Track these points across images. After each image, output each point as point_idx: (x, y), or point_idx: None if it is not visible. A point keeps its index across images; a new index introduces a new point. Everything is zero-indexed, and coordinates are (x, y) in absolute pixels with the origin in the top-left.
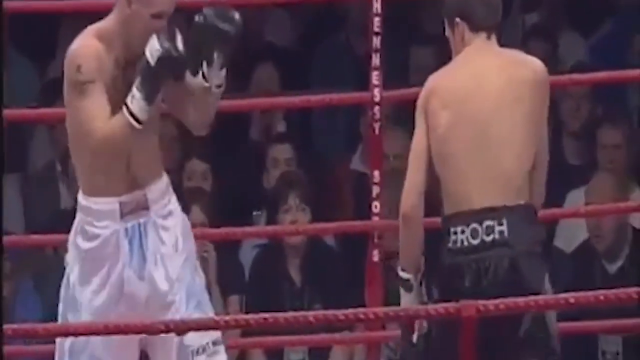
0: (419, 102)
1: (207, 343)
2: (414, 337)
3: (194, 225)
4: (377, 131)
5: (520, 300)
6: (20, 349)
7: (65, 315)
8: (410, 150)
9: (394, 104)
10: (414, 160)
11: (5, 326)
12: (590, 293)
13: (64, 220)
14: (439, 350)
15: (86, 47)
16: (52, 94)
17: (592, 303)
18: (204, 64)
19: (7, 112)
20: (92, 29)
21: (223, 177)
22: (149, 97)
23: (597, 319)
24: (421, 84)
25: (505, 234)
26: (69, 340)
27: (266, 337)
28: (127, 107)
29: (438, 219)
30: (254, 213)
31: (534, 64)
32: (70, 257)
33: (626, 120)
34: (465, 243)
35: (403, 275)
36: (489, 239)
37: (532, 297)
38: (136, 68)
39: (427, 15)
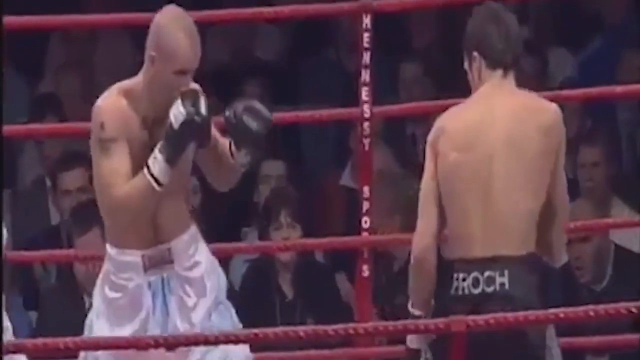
0: (429, 140)
1: None
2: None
3: None
4: (367, 147)
5: (510, 315)
6: None
7: (86, 357)
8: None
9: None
10: (425, 201)
11: None
12: (580, 308)
13: (53, 237)
14: None
15: (111, 104)
16: (41, 109)
17: (582, 318)
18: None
19: None
20: (119, 86)
21: (213, 193)
22: (170, 160)
23: (583, 336)
24: (410, 99)
25: (506, 286)
26: None
27: (258, 353)
28: (149, 169)
29: None
30: (243, 229)
31: (547, 110)
32: (96, 303)
33: (612, 136)
34: (467, 292)
35: (414, 312)
36: (489, 289)
37: (523, 313)
38: (163, 127)
39: (416, 31)
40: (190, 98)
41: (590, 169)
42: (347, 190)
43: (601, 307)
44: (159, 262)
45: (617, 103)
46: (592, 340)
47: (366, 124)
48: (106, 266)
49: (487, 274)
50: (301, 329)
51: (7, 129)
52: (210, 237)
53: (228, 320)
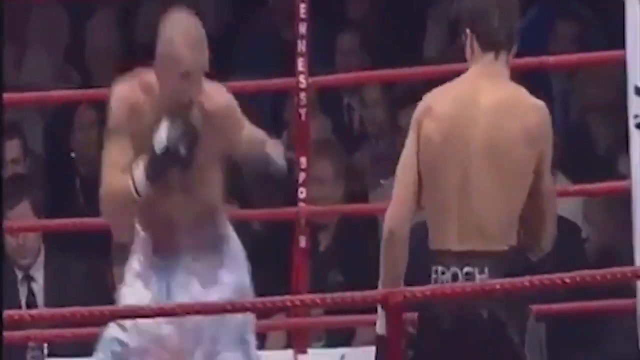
0: (415, 115)
1: None
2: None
3: None
4: (303, 117)
5: (447, 286)
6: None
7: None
8: None
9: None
10: (403, 174)
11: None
12: (516, 279)
13: None
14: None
15: (124, 94)
16: None
17: (519, 289)
18: None
19: None
20: (140, 77)
21: None
22: (149, 178)
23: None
24: (346, 69)
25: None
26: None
27: None
28: (132, 177)
29: None
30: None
31: (533, 111)
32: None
33: (548, 107)
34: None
35: (379, 331)
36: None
37: (462, 284)
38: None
39: (352, 2)
40: (176, 124)
41: None
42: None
43: (536, 278)
44: (167, 249)
45: (551, 73)
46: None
47: (302, 94)
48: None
49: (466, 269)
50: (238, 301)
51: None
52: None
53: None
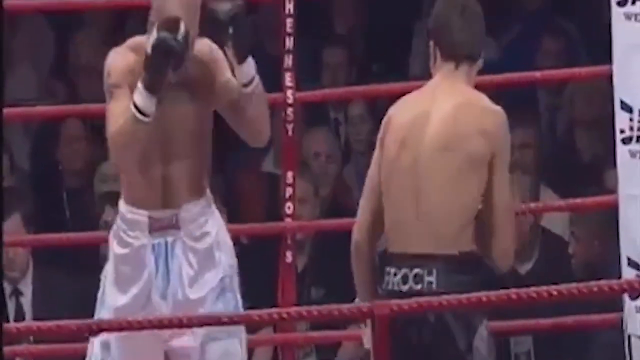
0: (380, 130)
1: None
2: None
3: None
4: (290, 132)
5: (435, 299)
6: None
7: (98, 312)
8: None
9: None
10: (365, 193)
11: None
12: (502, 292)
13: None
14: None
15: (116, 55)
16: None
17: (505, 302)
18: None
19: None
20: (131, 40)
21: None
22: (149, 87)
23: (507, 319)
24: (333, 84)
25: (434, 285)
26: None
27: None
28: (133, 102)
29: None
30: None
31: (488, 113)
32: (109, 262)
33: (536, 122)
34: (396, 287)
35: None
36: (417, 287)
37: (447, 297)
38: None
39: (338, 17)
40: (165, 24)
41: (520, 150)
42: (270, 176)
43: (523, 291)
44: (164, 226)
45: (538, 88)
46: (517, 323)
47: (290, 110)
48: (117, 221)
49: (415, 271)
50: (225, 314)
51: None
52: None
53: (230, 306)
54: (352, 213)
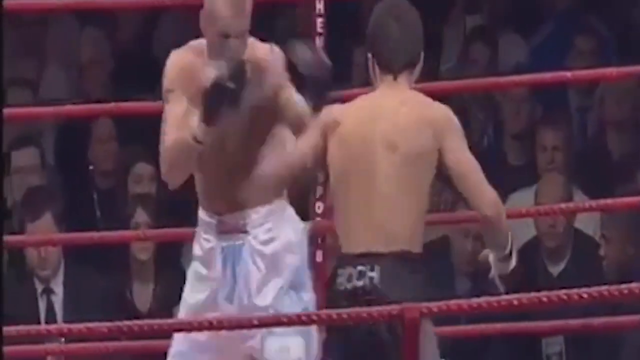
0: (323, 116)
1: None
2: None
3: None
4: None
5: (464, 302)
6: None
7: (178, 308)
8: None
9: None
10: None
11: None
12: (533, 294)
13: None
14: None
15: (176, 58)
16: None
17: (536, 304)
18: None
19: None
20: (191, 43)
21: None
22: (204, 119)
23: (539, 320)
24: (364, 84)
25: (375, 280)
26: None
27: None
28: (190, 132)
29: None
30: None
31: (431, 108)
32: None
33: (567, 122)
34: (344, 287)
35: None
36: (359, 283)
37: (478, 300)
38: None
39: (369, 16)
40: (229, 63)
41: (551, 152)
42: None
43: (554, 293)
44: (232, 229)
45: (568, 89)
46: (548, 324)
47: None
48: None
49: (359, 268)
50: (255, 316)
51: None
52: (167, 225)
53: (297, 309)
54: None
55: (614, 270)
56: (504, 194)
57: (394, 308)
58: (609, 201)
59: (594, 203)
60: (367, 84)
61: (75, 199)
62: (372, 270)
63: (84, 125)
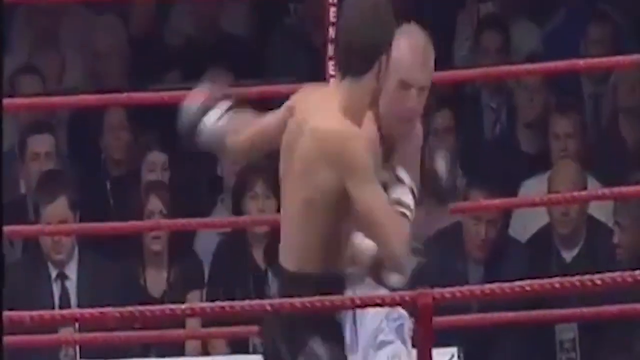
0: (291, 100)
1: None
2: None
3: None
4: None
5: (477, 288)
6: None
7: None
8: None
9: None
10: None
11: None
12: (546, 280)
13: (19, 207)
14: None
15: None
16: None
17: (549, 291)
18: None
19: None
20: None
21: (180, 168)
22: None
23: (552, 308)
24: None
25: (274, 296)
26: None
27: (229, 327)
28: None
29: None
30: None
31: (330, 138)
32: None
33: (580, 110)
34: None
35: None
36: (271, 293)
37: (490, 286)
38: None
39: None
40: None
41: (564, 140)
42: None
43: (567, 280)
44: None
45: (582, 76)
46: (561, 312)
47: None
48: None
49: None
50: (267, 302)
51: None
52: (180, 212)
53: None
54: None
55: (628, 257)
56: (516, 182)
57: (406, 294)
58: (623, 189)
59: (607, 191)
60: None
61: (89, 187)
62: (275, 288)
63: (97, 114)
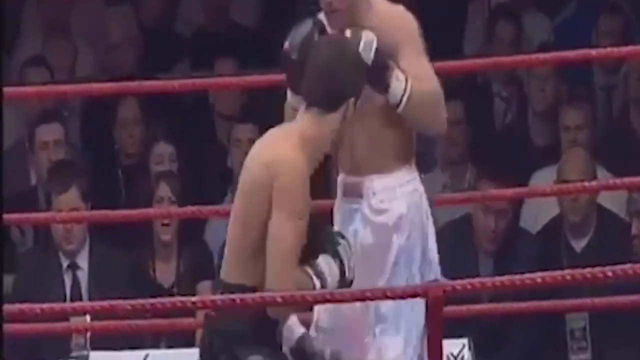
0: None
1: None
2: None
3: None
4: None
5: (488, 280)
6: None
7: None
8: None
9: None
10: None
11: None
12: (557, 272)
13: (30, 198)
14: None
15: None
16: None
17: (560, 283)
18: None
19: None
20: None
21: (189, 159)
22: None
23: (563, 297)
24: None
25: (212, 313)
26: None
27: None
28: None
29: None
30: None
31: (276, 164)
32: None
33: (591, 101)
34: None
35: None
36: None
37: (501, 278)
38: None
39: None
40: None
41: (574, 131)
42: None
43: (578, 271)
44: (351, 193)
45: (593, 67)
46: (572, 302)
47: None
48: None
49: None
50: (278, 294)
51: None
52: (190, 202)
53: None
54: None
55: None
56: (527, 173)
57: (418, 286)
58: (634, 179)
59: (618, 180)
60: None
61: (101, 178)
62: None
63: (109, 104)
